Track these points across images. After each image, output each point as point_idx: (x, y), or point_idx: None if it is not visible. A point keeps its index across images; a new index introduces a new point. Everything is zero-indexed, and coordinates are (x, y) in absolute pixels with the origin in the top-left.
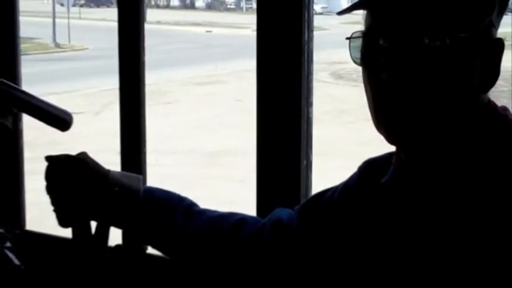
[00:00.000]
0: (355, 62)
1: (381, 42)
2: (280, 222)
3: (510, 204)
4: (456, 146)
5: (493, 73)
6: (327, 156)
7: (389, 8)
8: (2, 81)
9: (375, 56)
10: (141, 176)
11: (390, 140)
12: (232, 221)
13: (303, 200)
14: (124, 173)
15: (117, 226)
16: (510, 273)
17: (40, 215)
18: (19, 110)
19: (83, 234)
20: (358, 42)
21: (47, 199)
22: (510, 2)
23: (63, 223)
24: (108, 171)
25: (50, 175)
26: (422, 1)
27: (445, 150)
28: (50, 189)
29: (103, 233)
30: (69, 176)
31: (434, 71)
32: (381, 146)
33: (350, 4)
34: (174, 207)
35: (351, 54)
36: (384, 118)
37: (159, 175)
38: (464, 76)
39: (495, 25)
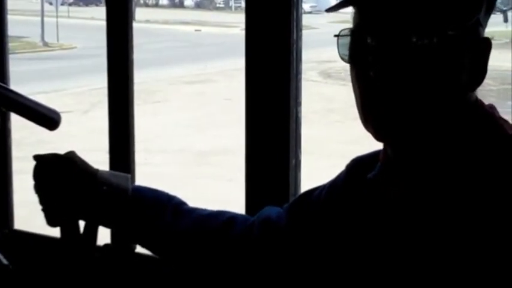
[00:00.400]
0: (343, 59)
1: (369, 40)
2: (269, 221)
3: (495, 199)
4: (443, 143)
5: (481, 71)
6: (315, 155)
7: (377, 5)
8: None
9: (362, 53)
10: (129, 175)
11: (378, 137)
12: (221, 220)
13: (291, 200)
14: (112, 172)
15: (105, 225)
16: (495, 266)
17: (28, 214)
18: (7, 109)
19: (72, 234)
20: (347, 40)
21: (35, 198)
22: (498, 1)
23: (51, 222)
24: (97, 170)
25: (38, 174)
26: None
27: (432, 147)
28: (38, 188)
29: (91, 232)
30: (57, 175)
31: (422, 69)
32: (369, 145)
33: (339, 1)
34: (162, 206)
35: (339, 52)
36: (372, 116)
37: (148, 174)
38: (451, 74)
39: (482, 24)
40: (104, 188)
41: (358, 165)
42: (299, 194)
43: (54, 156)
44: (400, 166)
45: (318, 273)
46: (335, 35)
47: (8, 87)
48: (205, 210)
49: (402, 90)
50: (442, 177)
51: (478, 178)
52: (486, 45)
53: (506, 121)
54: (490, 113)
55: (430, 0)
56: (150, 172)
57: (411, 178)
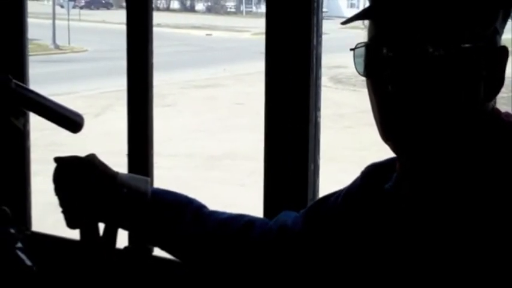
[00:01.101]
0: (359, 73)
1: (385, 52)
2: (285, 226)
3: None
4: (462, 155)
5: (498, 81)
6: (325, 160)
7: (393, 18)
8: (15, 82)
9: (379, 66)
10: (148, 178)
11: (397, 151)
12: (241, 223)
13: (309, 204)
14: (132, 175)
15: (125, 228)
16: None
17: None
18: (31, 110)
19: (91, 236)
20: (362, 53)
21: (47, 200)
22: None
23: (71, 224)
24: (116, 173)
25: (58, 176)
26: (426, 10)
27: (451, 159)
28: (58, 191)
29: (111, 235)
30: (78, 177)
31: (440, 81)
32: (380, 151)
33: (354, 14)
34: (182, 209)
35: (355, 66)
36: (391, 130)
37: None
38: (469, 84)
39: (499, 32)
40: (124, 190)
41: (374, 172)
42: (317, 198)
43: (74, 159)
44: (418, 179)
45: (332, 278)
46: (351, 49)
47: (31, 89)
48: (224, 213)
49: (420, 102)
50: (462, 190)
51: (499, 189)
52: (503, 54)
53: None
54: (506, 121)
55: (447, 11)
56: (161, 175)
57: (430, 191)
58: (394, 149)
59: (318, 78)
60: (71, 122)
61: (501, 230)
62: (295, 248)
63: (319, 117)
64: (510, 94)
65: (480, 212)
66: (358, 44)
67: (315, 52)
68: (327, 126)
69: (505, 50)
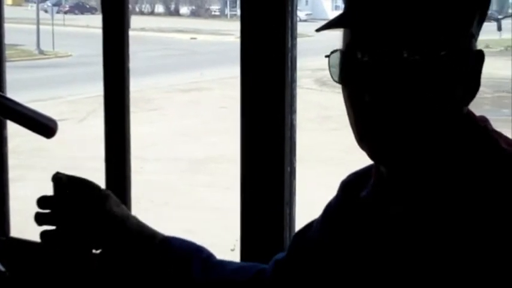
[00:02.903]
0: (334, 80)
1: (361, 58)
2: (278, 261)
3: (491, 214)
4: (438, 161)
5: (474, 85)
6: (311, 162)
7: (368, 24)
8: None
9: (355, 73)
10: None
11: (374, 158)
12: (251, 273)
13: (286, 207)
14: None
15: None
16: (498, 279)
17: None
18: (4, 116)
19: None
20: (337, 60)
21: (28, 207)
22: (492, 10)
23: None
24: (128, 215)
25: (67, 198)
26: (401, 16)
27: (428, 165)
28: (62, 213)
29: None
30: (88, 209)
31: (416, 87)
32: (364, 153)
33: (328, 21)
34: (191, 258)
35: (330, 73)
36: (367, 136)
37: (143, 182)
38: (445, 89)
39: (475, 36)
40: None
41: (353, 182)
42: (294, 201)
43: (90, 189)
44: (394, 185)
45: None
46: (326, 56)
47: (5, 95)
48: (234, 263)
49: (396, 109)
50: (438, 195)
51: (474, 194)
52: (479, 58)
53: (499, 134)
54: (482, 126)
55: (422, 16)
56: (145, 180)
57: (406, 197)
58: (370, 156)
59: (293, 81)
60: (45, 127)
61: (479, 233)
62: (286, 276)
63: (295, 119)
64: (494, 95)
65: (457, 216)
66: (332, 51)
67: (290, 55)
68: (313, 129)
69: (480, 54)
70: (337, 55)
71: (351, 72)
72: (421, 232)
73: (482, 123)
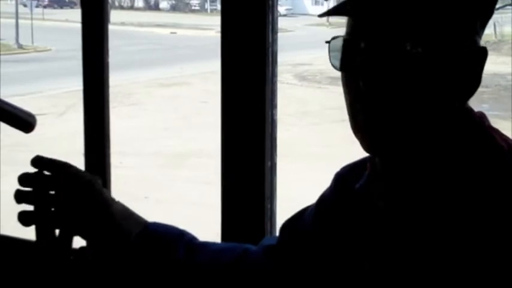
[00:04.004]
0: (333, 66)
1: (361, 47)
2: (269, 246)
3: (485, 210)
4: (433, 155)
5: (475, 81)
6: (291, 158)
7: (371, 14)
8: None
9: (354, 61)
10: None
11: (367, 149)
12: (237, 254)
13: (267, 202)
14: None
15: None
16: (487, 273)
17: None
18: None
19: (47, 236)
20: (338, 47)
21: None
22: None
23: (27, 224)
24: (113, 200)
25: (48, 182)
26: (406, 7)
27: (422, 159)
28: (42, 193)
29: (67, 234)
30: (72, 194)
31: (415, 79)
32: (345, 148)
33: (330, 8)
34: (175, 241)
35: (330, 59)
36: (361, 128)
37: (123, 177)
38: (445, 84)
39: (479, 33)
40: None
41: (347, 174)
42: (275, 196)
43: (75, 174)
44: (388, 177)
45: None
46: (326, 41)
47: None
48: (218, 244)
49: (393, 100)
50: (432, 189)
51: (467, 189)
52: (482, 54)
53: (496, 130)
54: (478, 121)
55: (427, 8)
56: (127, 175)
57: (400, 189)
58: (364, 146)
59: (274, 75)
60: (23, 122)
61: (474, 228)
62: (276, 263)
63: (276, 114)
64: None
65: (448, 211)
66: (334, 37)
67: (270, 49)
68: (293, 124)
69: (483, 50)
70: (338, 41)
71: (350, 60)
72: (412, 225)
73: (479, 118)
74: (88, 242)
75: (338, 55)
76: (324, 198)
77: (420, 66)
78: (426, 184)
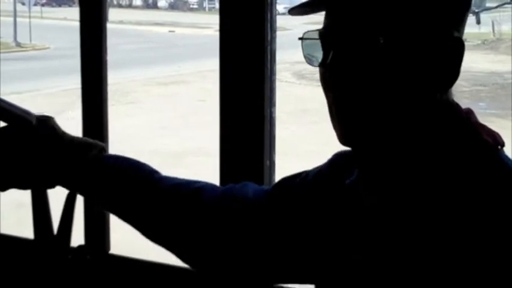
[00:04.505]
0: (307, 61)
1: (334, 42)
2: (243, 196)
3: (469, 202)
4: (411, 147)
5: (452, 73)
6: (290, 156)
7: (342, 8)
8: None
9: (326, 55)
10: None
11: (340, 138)
12: (194, 187)
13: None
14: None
15: (72, 189)
16: (475, 268)
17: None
18: None
19: (46, 234)
20: (311, 42)
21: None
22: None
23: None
24: (63, 133)
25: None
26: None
27: (399, 151)
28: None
29: (65, 232)
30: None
31: (385, 70)
32: (344, 146)
33: (301, 2)
34: (134, 172)
35: (303, 54)
36: (335, 118)
37: None
38: (417, 76)
39: (456, 26)
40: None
41: (340, 162)
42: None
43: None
44: (370, 175)
45: (289, 257)
46: (299, 38)
47: None
48: (176, 178)
49: (365, 91)
50: (412, 185)
51: (451, 182)
52: (458, 46)
53: (483, 126)
54: (464, 117)
55: (398, 2)
56: None
57: (380, 187)
58: (337, 137)
59: (272, 74)
60: (22, 120)
61: (458, 224)
62: (256, 219)
63: (274, 113)
64: (471, 88)
65: (430, 208)
66: (305, 32)
67: (269, 48)
68: (292, 122)
69: (460, 42)
70: (312, 35)
71: (324, 53)
72: (394, 224)
73: (465, 114)
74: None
75: (310, 50)
76: (318, 181)
77: (390, 57)
78: (405, 178)
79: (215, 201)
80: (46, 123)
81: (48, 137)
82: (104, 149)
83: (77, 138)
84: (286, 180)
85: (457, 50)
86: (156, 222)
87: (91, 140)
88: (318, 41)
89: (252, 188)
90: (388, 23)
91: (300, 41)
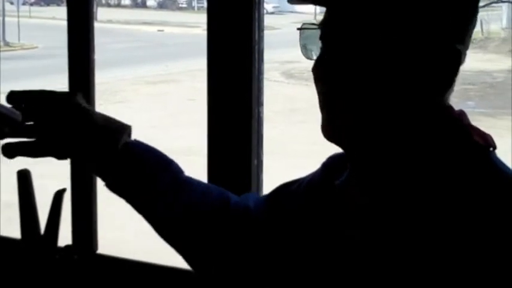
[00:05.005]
0: (303, 53)
1: (330, 35)
2: (248, 208)
3: (460, 203)
4: (403, 148)
5: (446, 81)
6: (278, 155)
7: (338, 3)
8: None
9: (322, 50)
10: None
11: (324, 134)
12: (220, 194)
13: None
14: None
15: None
16: (467, 268)
17: None
18: None
19: (33, 234)
20: (308, 33)
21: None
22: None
23: (12, 155)
24: (93, 111)
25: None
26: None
27: (391, 153)
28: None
29: (52, 232)
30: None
31: (383, 70)
32: (333, 146)
33: None
34: (161, 169)
35: (300, 44)
36: (324, 110)
37: None
38: (413, 78)
39: (457, 36)
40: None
41: (333, 165)
42: (261, 194)
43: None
44: (361, 175)
45: (286, 267)
46: (298, 28)
47: None
48: (202, 182)
49: (361, 89)
50: (402, 187)
51: (440, 184)
52: (455, 54)
53: (475, 128)
54: (457, 119)
55: (398, 3)
56: None
57: (374, 184)
58: (325, 137)
59: (260, 73)
60: (8, 119)
61: (450, 224)
62: (256, 233)
63: (262, 112)
64: (460, 87)
65: (421, 209)
66: (304, 23)
67: (257, 47)
68: (280, 121)
69: (458, 51)
70: (311, 30)
71: (322, 49)
72: (386, 224)
73: (458, 116)
74: (75, 159)
75: (310, 42)
76: (312, 185)
77: (387, 56)
78: (399, 177)
79: (238, 212)
80: (70, 101)
81: (75, 118)
82: (131, 131)
83: (106, 119)
84: (282, 187)
85: (454, 58)
86: (175, 223)
87: (119, 121)
88: (315, 34)
89: (253, 197)
90: (388, 22)
91: (289, 40)
